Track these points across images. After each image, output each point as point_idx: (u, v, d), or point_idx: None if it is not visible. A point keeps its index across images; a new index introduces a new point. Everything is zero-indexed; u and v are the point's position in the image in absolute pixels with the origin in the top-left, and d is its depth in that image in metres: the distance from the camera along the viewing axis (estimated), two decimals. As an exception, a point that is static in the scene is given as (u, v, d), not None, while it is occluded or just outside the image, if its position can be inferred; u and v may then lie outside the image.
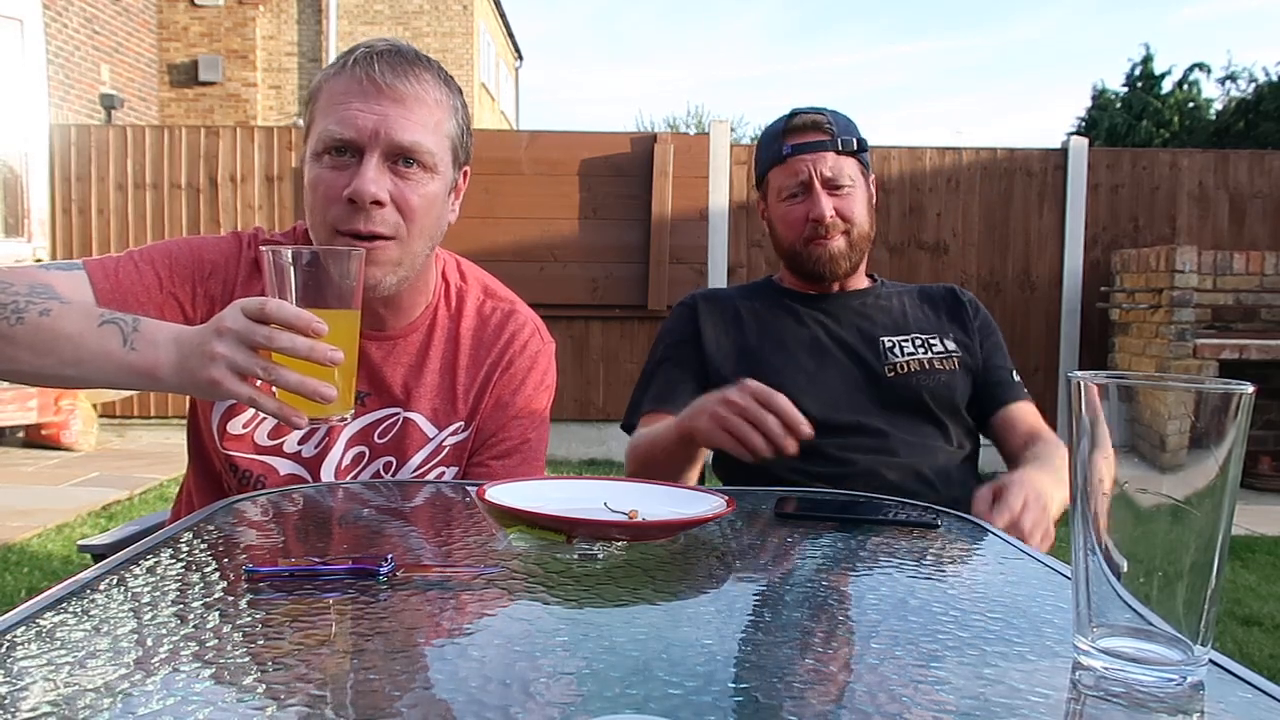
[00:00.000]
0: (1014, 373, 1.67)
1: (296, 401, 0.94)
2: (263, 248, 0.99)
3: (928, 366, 1.57)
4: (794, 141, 1.58)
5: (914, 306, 1.66)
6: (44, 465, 5.29)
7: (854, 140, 1.58)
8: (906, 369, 1.57)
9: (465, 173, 1.27)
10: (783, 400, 1.17)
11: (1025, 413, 1.62)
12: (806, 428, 1.14)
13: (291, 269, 0.95)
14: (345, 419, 1.02)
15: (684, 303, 1.71)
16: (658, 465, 1.43)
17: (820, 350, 1.59)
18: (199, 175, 6.12)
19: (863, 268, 1.67)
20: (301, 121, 1.21)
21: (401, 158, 1.13)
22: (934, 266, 6.04)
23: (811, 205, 1.56)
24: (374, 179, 1.11)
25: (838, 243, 1.58)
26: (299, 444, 1.24)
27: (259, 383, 0.94)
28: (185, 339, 0.96)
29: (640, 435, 1.53)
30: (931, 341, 1.60)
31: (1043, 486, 1.25)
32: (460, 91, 1.24)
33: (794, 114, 1.60)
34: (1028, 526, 1.18)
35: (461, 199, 1.29)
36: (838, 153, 1.57)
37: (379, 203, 1.12)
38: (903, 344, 1.59)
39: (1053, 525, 1.22)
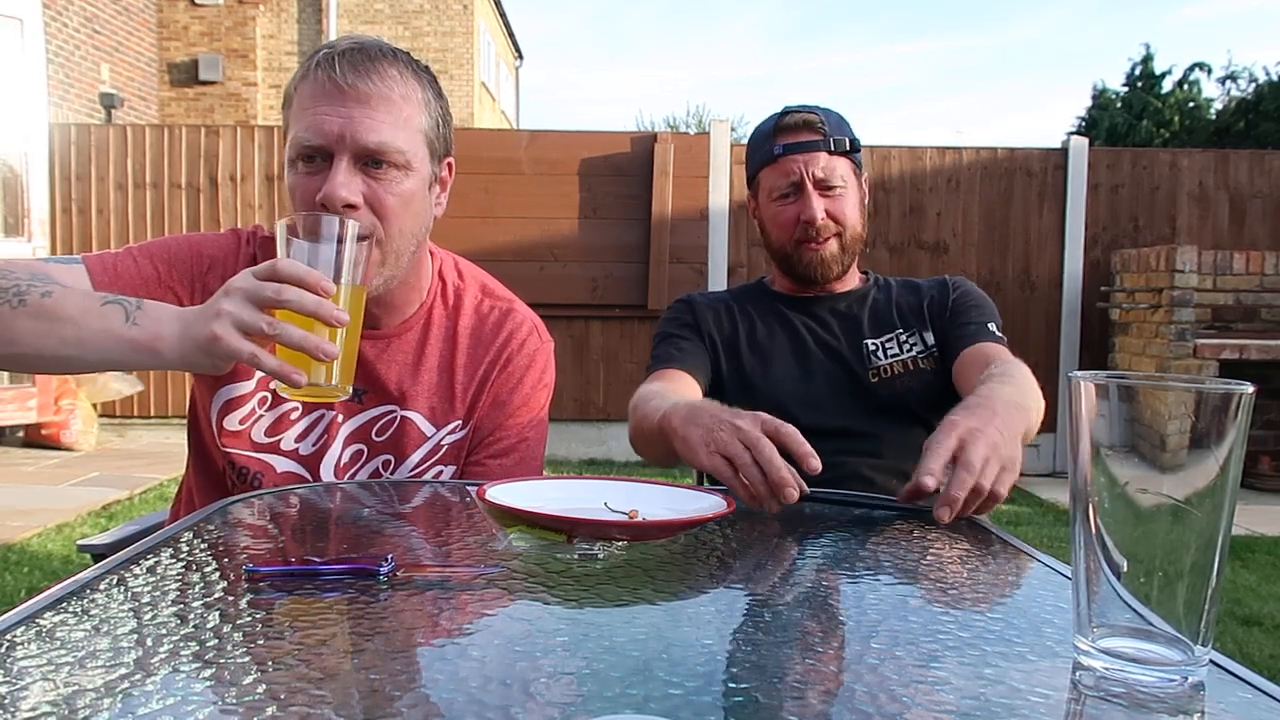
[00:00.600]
0: (991, 326, 1.54)
1: (298, 361, 0.94)
2: (279, 221, 1.00)
3: (910, 367, 1.57)
4: (785, 141, 1.56)
5: (900, 299, 1.64)
6: (44, 465, 5.28)
7: (846, 140, 1.56)
8: (890, 372, 1.57)
9: (449, 164, 1.26)
10: (794, 433, 1.00)
11: (989, 349, 1.48)
12: (815, 461, 0.99)
13: (301, 240, 0.97)
14: (346, 396, 1.01)
15: (681, 300, 1.71)
16: (647, 444, 1.35)
17: (805, 355, 1.59)
18: (199, 175, 6.12)
19: (854, 268, 1.67)
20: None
21: (371, 159, 1.12)
22: (934, 266, 6.04)
23: (803, 207, 1.55)
24: (344, 183, 1.11)
25: (830, 247, 1.57)
26: (296, 441, 1.24)
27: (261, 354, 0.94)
28: (189, 311, 0.98)
29: (640, 398, 1.40)
30: (913, 340, 1.59)
31: (993, 407, 1.07)
32: (434, 82, 1.22)
33: (785, 112, 1.58)
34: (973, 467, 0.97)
35: (449, 191, 1.28)
36: (830, 153, 1.55)
37: (352, 205, 1.11)
38: (886, 345, 1.59)
39: (1015, 447, 1.03)
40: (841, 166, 1.56)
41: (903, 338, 1.59)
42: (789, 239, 1.58)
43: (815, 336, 1.61)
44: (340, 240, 0.98)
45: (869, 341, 1.59)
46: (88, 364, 1.01)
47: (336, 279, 0.96)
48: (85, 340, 0.98)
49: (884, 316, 1.62)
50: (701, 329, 1.63)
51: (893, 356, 1.57)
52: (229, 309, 0.92)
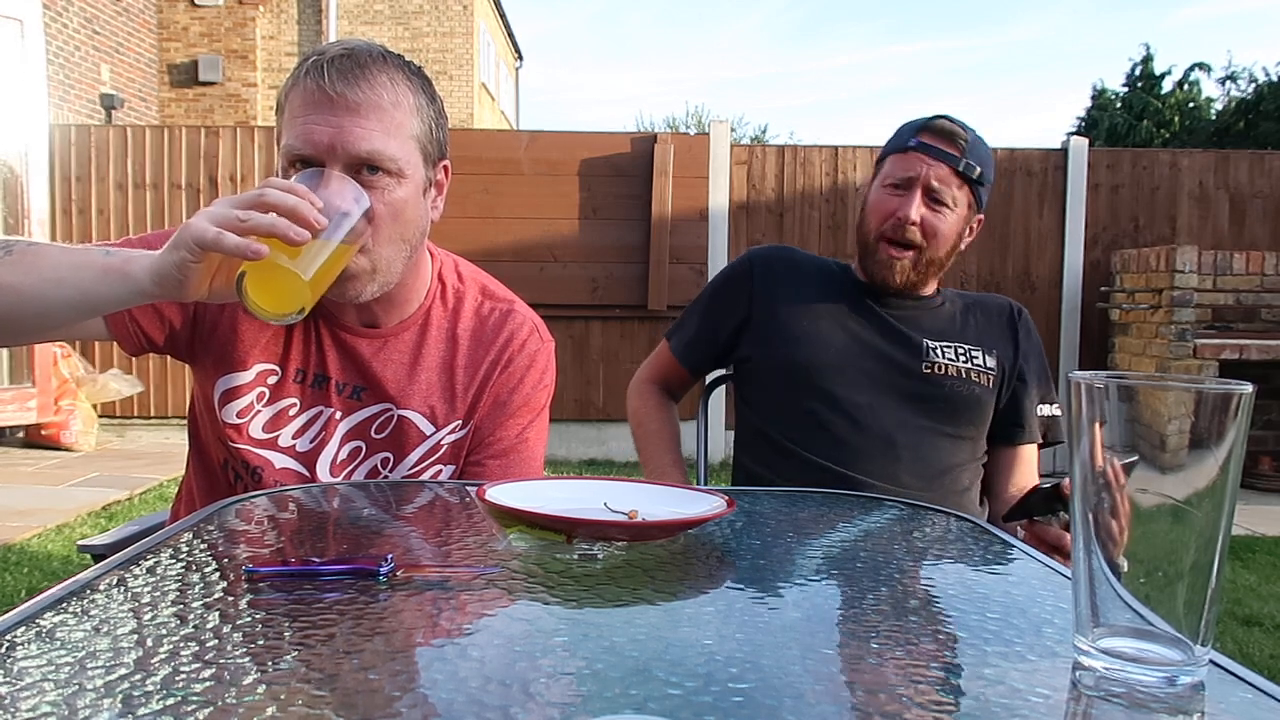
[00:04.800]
0: (1054, 406, 1.68)
1: (263, 269, 0.96)
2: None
3: (965, 375, 1.58)
4: (924, 139, 1.57)
5: (965, 316, 1.66)
6: (44, 465, 5.28)
7: (977, 168, 1.58)
8: (944, 371, 1.57)
9: (445, 167, 1.25)
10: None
11: (1032, 460, 1.68)
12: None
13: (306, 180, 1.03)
14: (308, 306, 0.99)
15: (745, 256, 1.73)
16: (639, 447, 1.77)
17: (859, 338, 1.60)
18: (199, 175, 6.12)
19: (931, 282, 1.66)
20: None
21: (365, 167, 1.12)
22: (934, 266, 6.04)
23: (904, 204, 1.55)
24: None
25: (906, 259, 1.57)
26: (293, 437, 1.24)
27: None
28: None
29: (639, 414, 1.79)
30: (974, 353, 1.60)
31: None
32: (427, 86, 1.20)
33: (940, 117, 1.60)
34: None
35: (446, 194, 1.27)
36: (956, 172, 1.56)
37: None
38: (945, 348, 1.60)
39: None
40: (958, 190, 1.57)
41: (961, 349, 1.61)
42: (876, 229, 1.59)
43: (873, 324, 1.61)
44: (339, 193, 1.03)
45: (928, 341, 1.60)
46: (64, 301, 1.03)
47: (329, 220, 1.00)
48: (65, 278, 1.01)
49: (950, 327, 1.63)
50: (755, 288, 1.65)
51: (949, 359, 1.59)
52: (207, 209, 0.96)
